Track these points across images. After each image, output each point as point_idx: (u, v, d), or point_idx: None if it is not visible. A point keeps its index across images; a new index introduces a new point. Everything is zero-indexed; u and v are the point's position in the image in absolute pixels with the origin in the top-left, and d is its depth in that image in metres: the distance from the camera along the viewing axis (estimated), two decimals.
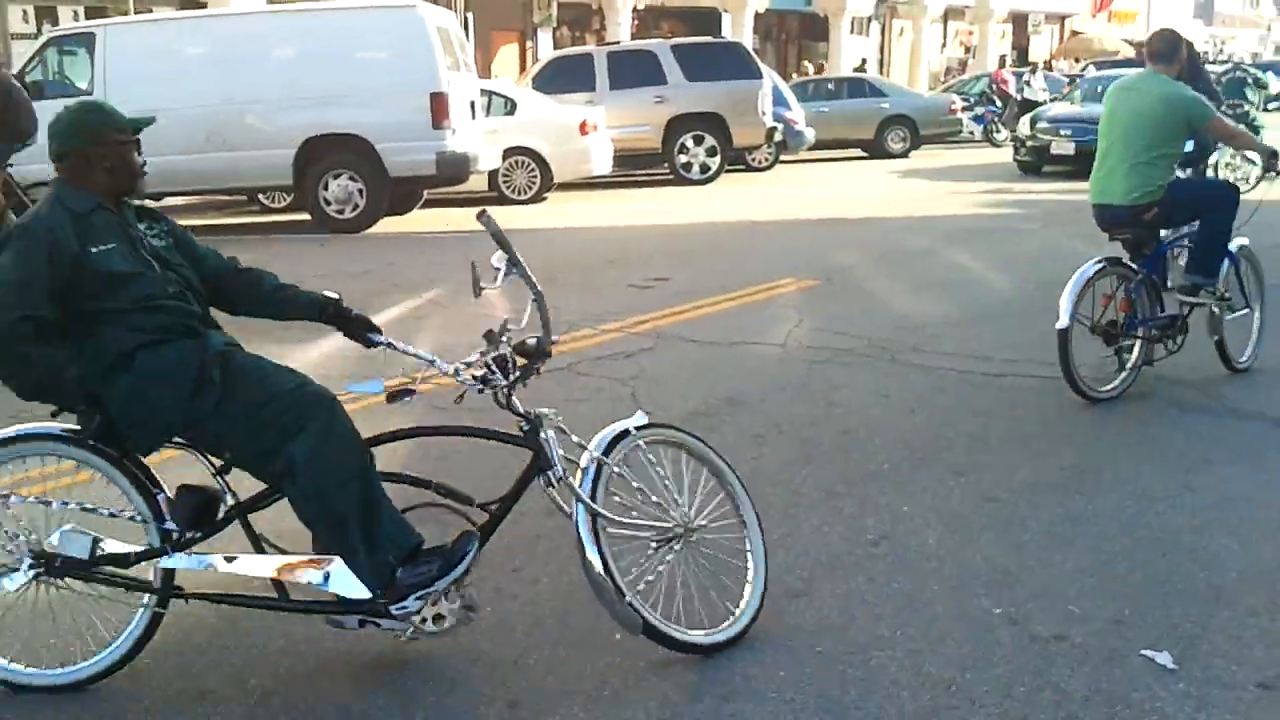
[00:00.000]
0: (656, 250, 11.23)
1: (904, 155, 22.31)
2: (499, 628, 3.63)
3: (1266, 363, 6.59)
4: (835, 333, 7.50)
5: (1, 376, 3.18)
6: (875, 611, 3.70)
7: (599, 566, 3.22)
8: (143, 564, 3.32)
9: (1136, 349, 6.05)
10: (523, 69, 23.64)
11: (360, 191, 12.90)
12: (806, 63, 32.93)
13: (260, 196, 15.48)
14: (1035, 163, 18.04)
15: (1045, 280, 8.93)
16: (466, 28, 20.51)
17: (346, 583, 3.14)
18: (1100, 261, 5.89)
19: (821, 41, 33.87)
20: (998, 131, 24.68)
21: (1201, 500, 4.59)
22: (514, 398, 3.30)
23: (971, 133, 24.97)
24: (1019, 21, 42.81)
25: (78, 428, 3.23)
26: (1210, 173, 9.64)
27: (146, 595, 3.34)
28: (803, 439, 5.46)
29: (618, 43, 21.35)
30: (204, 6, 17.66)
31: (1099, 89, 17.78)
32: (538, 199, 15.87)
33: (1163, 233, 6.10)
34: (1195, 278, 6.08)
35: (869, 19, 36.30)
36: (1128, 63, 31.81)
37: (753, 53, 19.87)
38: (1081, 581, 3.88)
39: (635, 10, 26.42)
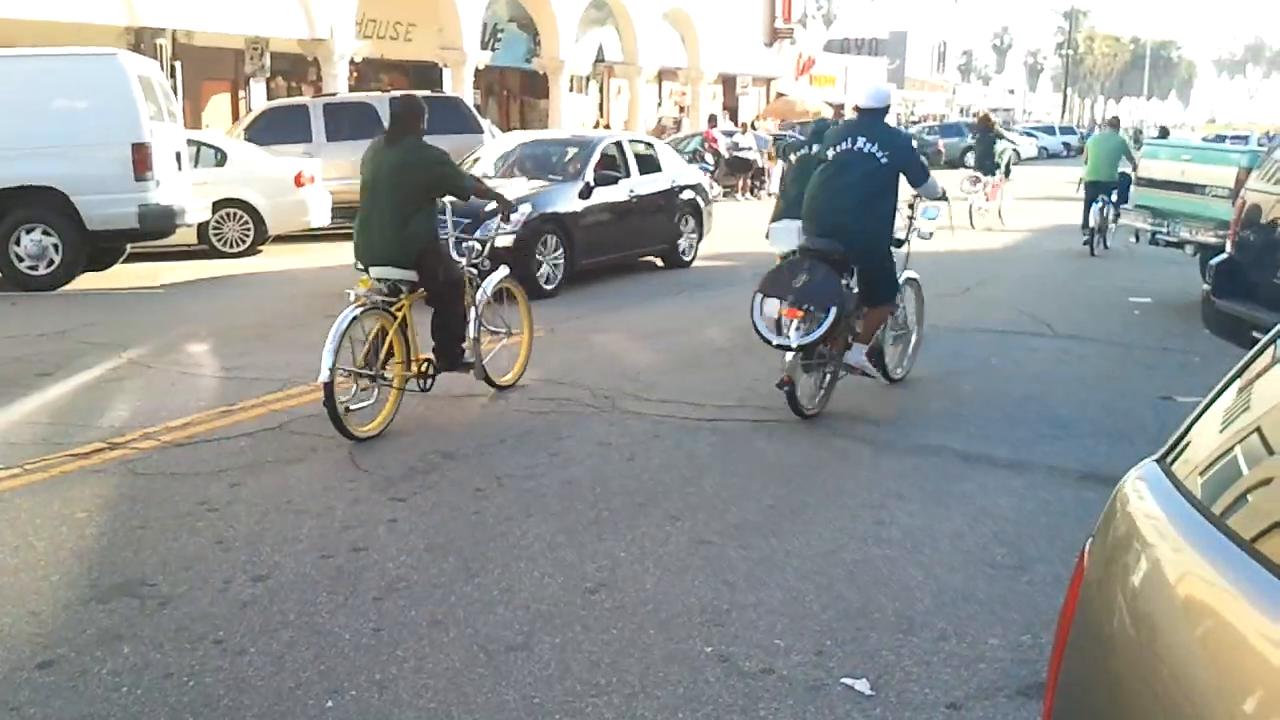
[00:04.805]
0: None
1: None
2: None
3: (948, 400, 7.14)
4: (558, 383, 7.59)
5: None
6: (592, 659, 3.75)
7: None
8: None
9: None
10: (235, 120, 22.85)
11: (55, 247, 12.06)
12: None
13: None
14: None
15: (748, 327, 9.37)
16: (174, 77, 19.67)
17: None
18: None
19: (542, 99, 34.40)
20: (712, 187, 25.74)
21: (891, 534, 4.91)
22: None
23: None
24: (728, 83, 44.89)
25: None
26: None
27: None
28: (523, 490, 5.49)
29: (335, 94, 20.98)
30: None
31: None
32: (251, 252, 15.32)
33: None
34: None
35: (587, 78, 37.18)
36: (822, 122, 34.13)
37: (474, 108, 19.97)
38: (787, 616, 4.07)
39: (353, 62, 25.97)
